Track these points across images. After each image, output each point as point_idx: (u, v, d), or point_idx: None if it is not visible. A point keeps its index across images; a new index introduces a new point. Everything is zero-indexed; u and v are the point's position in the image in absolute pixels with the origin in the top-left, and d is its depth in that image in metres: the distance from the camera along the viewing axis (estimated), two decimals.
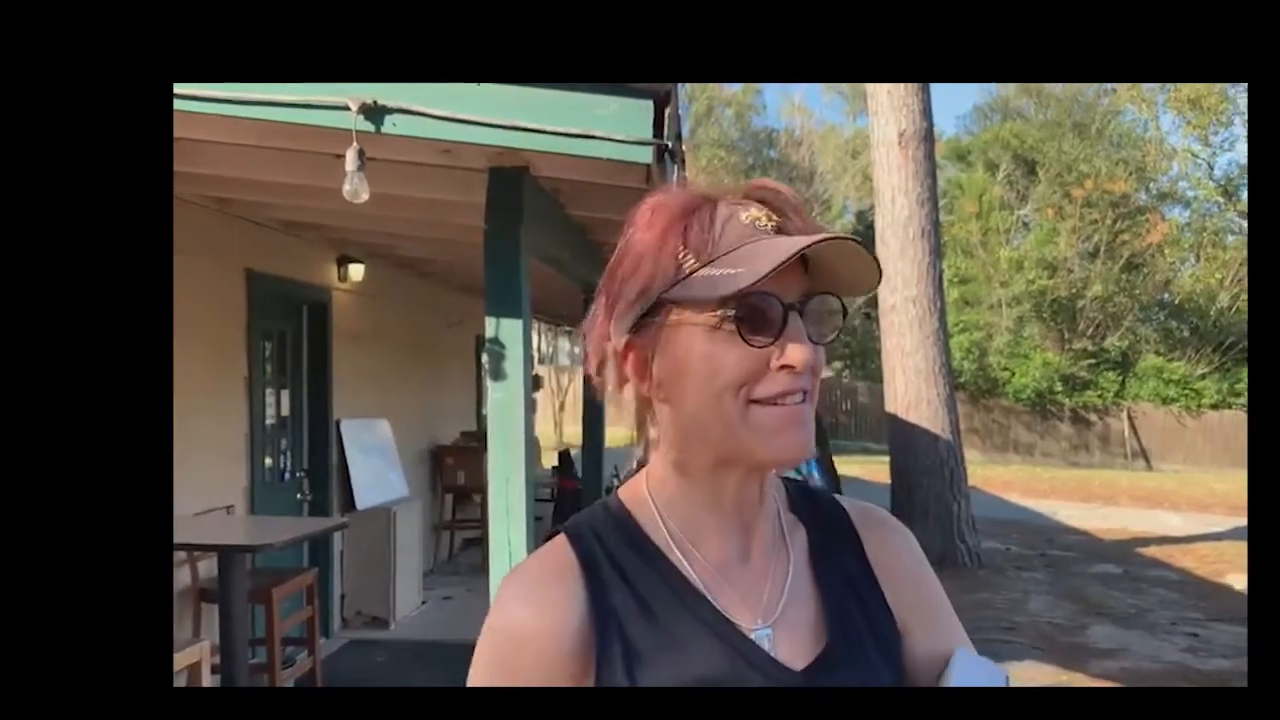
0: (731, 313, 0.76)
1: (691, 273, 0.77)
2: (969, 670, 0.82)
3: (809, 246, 0.74)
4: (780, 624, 0.82)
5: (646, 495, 0.86)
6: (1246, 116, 22.63)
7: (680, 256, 0.78)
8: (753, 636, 0.80)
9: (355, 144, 2.33)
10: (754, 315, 0.76)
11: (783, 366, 0.76)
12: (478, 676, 0.81)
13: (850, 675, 0.81)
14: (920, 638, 0.86)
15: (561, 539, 0.84)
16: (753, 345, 0.76)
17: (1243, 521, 11.87)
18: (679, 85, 2.38)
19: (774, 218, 0.80)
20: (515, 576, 0.83)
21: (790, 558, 0.86)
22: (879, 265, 0.78)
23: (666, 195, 0.83)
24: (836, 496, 0.95)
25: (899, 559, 0.91)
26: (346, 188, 2.35)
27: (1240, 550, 9.67)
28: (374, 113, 2.31)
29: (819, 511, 0.92)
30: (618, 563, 0.82)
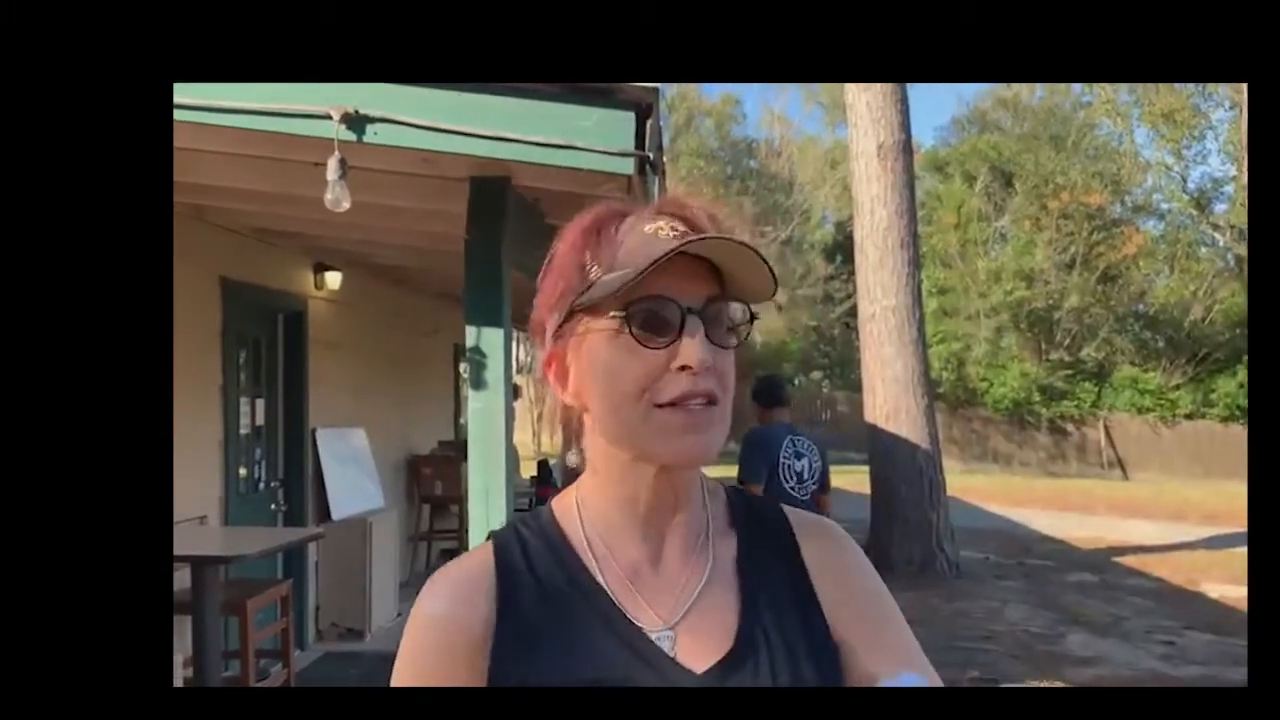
0: (624, 315, 0.79)
1: (594, 281, 0.81)
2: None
3: (681, 246, 0.76)
4: (685, 627, 0.83)
5: (573, 501, 0.89)
6: (1219, 130, 22.96)
7: (587, 267, 0.82)
8: (654, 637, 0.81)
9: (337, 153, 2.31)
10: (648, 318, 0.78)
11: (682, 367, 0.78)
12: (398, 664, 0.85)
13: (752, 678, 0.80)
14: (862, 654, 0.84)
15: (488, 541, 0.89)
16: (648, 347, 0.78)
17: (1217, 530, 12.01)
18: (659, 95, 2.37)
19: (678, 228, 0.81)
20: (439, 572, 0.88)
21: (709, 563, 0.87)
22: (772, 272, 0.80)
23: (585, 212, 0.86)
24: (784, 508, 0.94)
25: (839, 571, 0.89)
26: (328, 196, 2.33)
27: (1214, 559, 9.78)
28: (355, 122, 2.30)
29: (756, 520, 0.92)
30: (532, 563, 0.85)
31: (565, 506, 0.90)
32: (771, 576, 0.88)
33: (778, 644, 0.83)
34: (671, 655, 0.81)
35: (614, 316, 0.79)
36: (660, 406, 0.78)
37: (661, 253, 0.76)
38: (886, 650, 0.85)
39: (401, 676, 0.83)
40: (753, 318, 0.83)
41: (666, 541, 0.86)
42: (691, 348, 0.77)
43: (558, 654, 0.80)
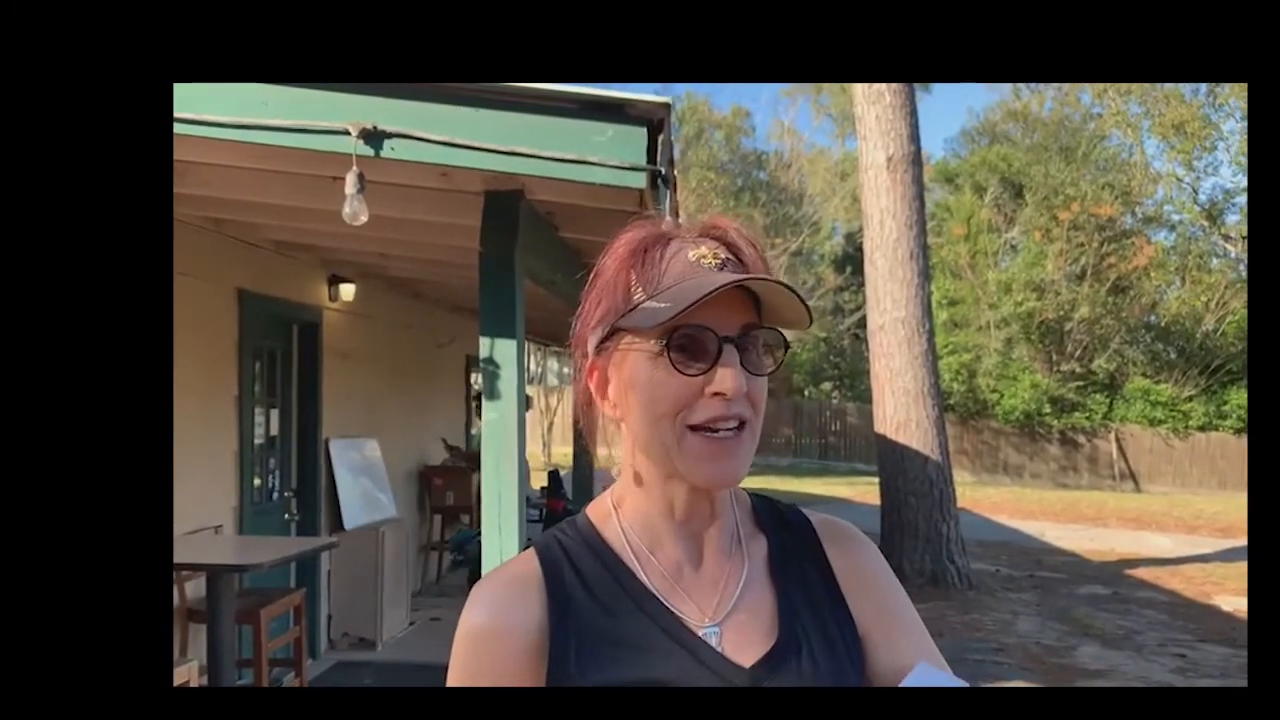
0: (665, 341, 0.82)
1: (638, 304, 0.85)
2: (925, 679, 0.82)
3: (725, 286, 0.80)
4: (729, 623, 0.87)
5: (610, 506, 0.93)
6: (1230, 140, 22.90)
7: (632, 288, 0.86)
8: (701, 634, 0.86)
9: (355, 167, 2.36)
10: (688, 345, 0.83)
11: (715, 394, 0.82)
12: (450, 676, 0.87)
13: (796, 673, 0.85)
14: (883, 649, 0.90)
15: (530, 549, 0.92)
16: (685, 374, 0.82)
17: (1231, 543, 11.94)
18: (671, 109, 2.41)
19: (720, 255, 0.86)
20: (483, 581, 0.90)
21: (745, 564, 0.91)
22: (807, 307, 0.85)
23: (633, 230, 0.90)
24: (804, 511, 0.99)
25: (862, 571, 0.95)
26: (346, 210, 2.37)
27: (1228, 571, 9.72)
28: (373, 137, 2.34)
29: (782, 524, 0.97)
30: (579, 569, 0.88)
31: (601, 513, 0.93)
32: (803, 576, 0.93)
33: (818, 640, 0.88)
34: (719, 650, 0.85)
35: (655, 340, 0.83)
36: (693, 429, 0.83)
37: (710, 287, 0.80)
38: (902, 643, 0.90)
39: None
40: (787, 346, 0.88)
41: (704, 544, 0.91)
42: (726, 376, 0.82)
43: (611, 652, 0.84)
